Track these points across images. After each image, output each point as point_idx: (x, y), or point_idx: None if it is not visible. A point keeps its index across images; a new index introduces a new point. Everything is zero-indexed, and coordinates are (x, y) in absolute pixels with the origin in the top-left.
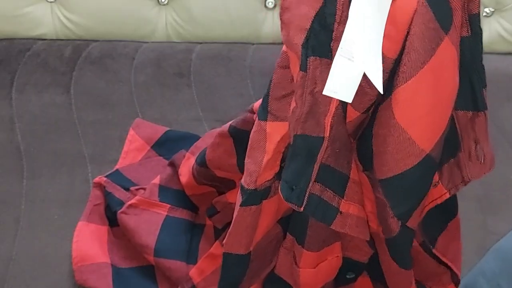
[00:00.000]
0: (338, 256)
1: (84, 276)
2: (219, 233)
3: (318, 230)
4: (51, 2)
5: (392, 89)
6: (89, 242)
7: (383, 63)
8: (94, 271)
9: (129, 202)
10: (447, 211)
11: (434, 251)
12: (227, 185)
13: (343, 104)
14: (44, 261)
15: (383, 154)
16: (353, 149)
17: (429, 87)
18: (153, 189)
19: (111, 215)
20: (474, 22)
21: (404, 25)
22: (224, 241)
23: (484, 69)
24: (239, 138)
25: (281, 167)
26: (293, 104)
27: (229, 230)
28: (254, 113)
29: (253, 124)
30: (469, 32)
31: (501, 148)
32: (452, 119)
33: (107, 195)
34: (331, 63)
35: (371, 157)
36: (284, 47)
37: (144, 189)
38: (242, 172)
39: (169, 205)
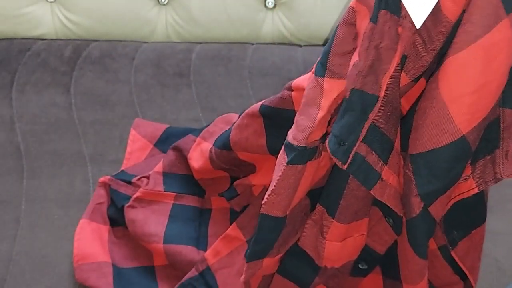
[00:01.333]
0: (363, 234)
1: (85, 275)
2: (234, 216)
3: (352, 200)
4: (51, 2)
5: (443, 59)
6: (90, 241)
7: (442, 24)
8: (95, 270)
9: (135, 196)
10: (473, 217)
11: (452, 253)
12: (246, 169)
13: (400, 66)
14: (44, 261)
15: (421, 128)
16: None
17: (478, 64)
18: (156, 177)
19: (113, 215)
20: None
21: None
22: (264, 201)
23: None
24: (272, 117)
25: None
26: (354, 58)
27: (271, 189)
28: (293, 90)
29: (290, 102)
30: None
31: None
32: (498, 115)
33: (112, 192)
34: (399, 21)
35: (409, 136)
36: (352, 2)
37: (146, 177)
38: (271, 153)
39: (174, 194)
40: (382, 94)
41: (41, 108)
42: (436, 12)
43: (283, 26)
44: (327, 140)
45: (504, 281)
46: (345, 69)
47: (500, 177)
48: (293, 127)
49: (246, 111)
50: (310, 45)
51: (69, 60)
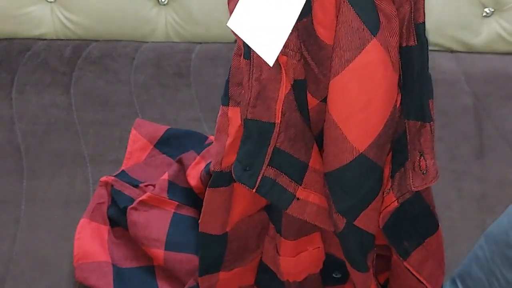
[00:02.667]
0: (319, 247)
1: (85, 274)
2: None
3: (291, 218)
4: (51, 2)
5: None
6: (90, 240)
7: (323, 49)
8: (95, 270)
9: (140, 198)
10: (422, 226)
11: (405, 263)
12: None
13: (298, 92)
14: (44, 261)
15: (325, 147)
16: (313, 139)
17: (355, 86)
18: (162, 184)
19: (113, 215)
20: (420, 31)
21: (332, 15)
22: (199, 221)
23: (431, 79)
24: None
25: None
26: (243, 90)
27: (202, 210)
28: None
29: None
30: (416, 41)
31: (500, 147)
32: (404, 128)
33: (115, 193)
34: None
35: None
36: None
37: (153, 185)
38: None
39: (176, 203)
40: (278, 120)
41: (41, 108)
42: (315, 38)
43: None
44: (233, 166)
45: None
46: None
47: (410, 189)
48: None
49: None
50: None
51: (69, 60)
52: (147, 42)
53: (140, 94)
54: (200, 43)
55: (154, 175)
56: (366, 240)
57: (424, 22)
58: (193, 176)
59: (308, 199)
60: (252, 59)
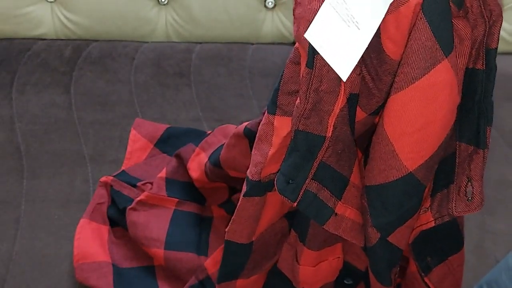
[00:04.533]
0: (339, 257)
1: (85, 274)
2: None
3: (319, 229)
4: (51, 2)
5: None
6: (91, 240)
7: (386, 64)
8: (95, 270)
9: (138, 198)
10: (448, 244)
11: (425, 279)
12: (241, 183)
13: (350, 106)
14: (44, 261)
15: (371, 161)
16: (357, 154)
17: (417, 105)
18: (160, 183)
19: (112, 216)
20: (490, 57)
21: (405, 31)
22: (227, 228)
23: (492, 106)
24: (254, 139)
25: None
26: (298, 100)
27: (232, 218)
28: None
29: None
30: (484, 66)
31: (499, 148)
32: (454, 149)
33: (114, 193)
34: None
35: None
36: (297, 43)
37: (151, 183)
38: None
39: (177, 199)
40: (329, 134)
41: (41, 108)
42: (379, 52)
43: (283, 26)
44: (276, 177)
45: None
46: (293, 107)
47: (452, 213)
48: (250, 163)
49: (234, 130)
50: None
51: (69, 60)
52: (147, 42)
53: (140, 94)
54: (200, 43)
55: (155, 175)
56: (394, 255)
57: (496, 48)
58: (194, 169)
59: (345, 214)
60: (314, 69)
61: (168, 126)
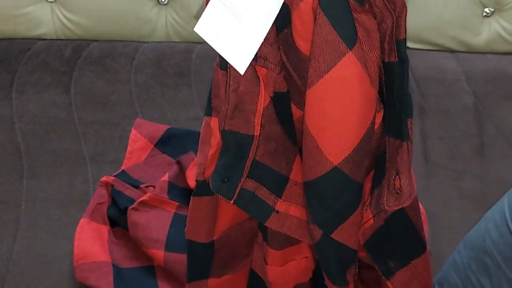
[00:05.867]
0: (307, 257)
1: (85, 274)
2: None
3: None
4: (51, 2)
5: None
6: (90, 240)
7: (304, 61)
8: (95, 270)
9: (141, 199)
10: (409, 247)
11: (388, 283)
12: None
13: (278, 105)
14: (44, 261)
15: (303, 158)
16: (297, 152)
17: (331, 98)
18: (163, 185)
19: (113, 216)
20: (400, 48)
21: (310, 27)
22: (186, 229)
23: (410, 98)
24: None
25: None
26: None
27: (187, 218)
28: None
29: None
30: (396, 58)
31: (499, 147)
32: (385, 145)
33: (115, 193)
34: (256, 64)
35: None
36: None
37: (153, 186)
38: None
39: (177, 203)
40: (257, 133)
41: (41, 108)
42: (295, 49)
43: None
44: (210, 178)
45: None
46: None
47: (384, 208)
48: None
49: None
50: None
51: (69, 60)
52: (147, 42)
53: (140, 94)
54: (201, 43)
55: (154, 175)
56: (345, 254)
57: (405, 39)
58: (192, 177)
59: (288, 212)
60: (228, 70)
61: (168, 126)
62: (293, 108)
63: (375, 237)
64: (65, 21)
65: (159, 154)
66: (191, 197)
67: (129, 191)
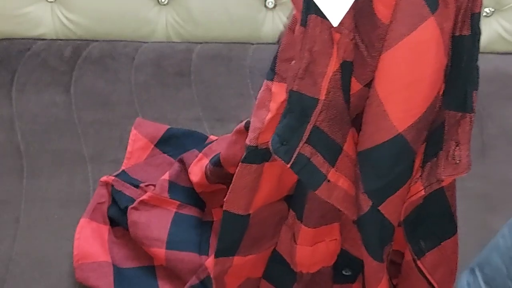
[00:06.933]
0: (336, 239)
1: (85, 274)
2: None
3: (315, 205)
4: (51, 2)
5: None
6: (90, 240)
7: (378, 28)
8: (95, 270)
9: (141, 198)
10: (441, 227)
11: (418, 263)
12: None
13: (344, 73)
14: (44, 261)
15: (363, 126)
16: (351, 125)
17: (405, 62)
18: (163, 184)
19: (113, 215)
20: (474, 21)
21: None
22: (225, 198)
23: (478, 71)
24: None
25: None
26: (293, 61)
27: (230, 187)
28: None
29: None
30: (469, 31)
31: (501, 147)
32: (443, 119)
33: (115, 193)
34: (331, 26)
35: None
36: (293, 7)
37: (154, 185)
38: None
39: (178, 202)
40: (322, 97)
41: (41, 108)
42: (371, 16)
43: (283, 26)
44: (271, 139)
45: None
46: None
47: (440, 177)
48: (249, 130)
49: (235, 128)
50: None
51: (69, 60)
52: (147, 42)
53: (141, 94)
54: (200, 43)
55: (155, 175)
56: (385, 230)
57: (480, 13)
58: (195, 173)
59: (338, 183)
60: (307, 28)
61: (169, 127)
62: (353, 81)
63: (413, 214)
64: (65, 21)
65: (159, 154)
66: (240, 163)
67: (129, 191)
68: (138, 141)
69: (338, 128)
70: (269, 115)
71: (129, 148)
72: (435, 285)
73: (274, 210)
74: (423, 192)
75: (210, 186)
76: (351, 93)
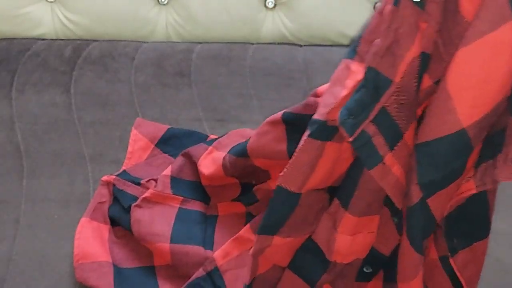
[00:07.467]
0: (373, 232)
1: (85, 274)
2: (249, 220)
3: (365, 192)
4: (51, 2)
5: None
6: (91, 240)
7: (460, 25)
8: (95, 270)
9: (143, 196)
10: (476, 228)
11: (451, 260)
12: (259, 175)
13: (421, 63)
14: (44, 261)
15: (427, 118)
16: (416, 116)
17: (483, 59)
18: (165, 181)
19: (114, 215)
20: None
21: None
22: (282, 173)
23: None
24: (295, 123)
25: None
26: (378, 40)
27: (290, 161)
28: (318, 96)
29: (315, 107)
30: None
31: None
32: (505, 124)
33: (118, 192)
34: (422, 15)
35: None
36: None
37: (155, 180)
38: (291, 158)
39: (181, 198)
40: (397, 80)
41: (41, 108)
42: (455, 13)
43: (283, 26)
44: (340, 111)
45: (506, 281)
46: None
47: (496, 179)
48: (319, 106)
49: (266, 119)
50: (310, 45)
51: (69, 60)
52: (147, 42)
53: (141, 94)
54: (200, 43)
55: (156, 174)
56: (429, 225)
57: None
58: (206, 165)
59: (392, 168)
60: (398, 7)
61: (169, 126)
62: (425, 77)
63: (455, 213)
64: (65, 21)
65: (160, 154)
66: (306, 137)
67: (131, 189)
68: (139, 141)
69: (404, 115)
70: (344, 92)
71: (129, 148)
72: (464, 283)
73: (319, 196)
74: (474, 191)
75: (222, 179)
76: (420, 88)
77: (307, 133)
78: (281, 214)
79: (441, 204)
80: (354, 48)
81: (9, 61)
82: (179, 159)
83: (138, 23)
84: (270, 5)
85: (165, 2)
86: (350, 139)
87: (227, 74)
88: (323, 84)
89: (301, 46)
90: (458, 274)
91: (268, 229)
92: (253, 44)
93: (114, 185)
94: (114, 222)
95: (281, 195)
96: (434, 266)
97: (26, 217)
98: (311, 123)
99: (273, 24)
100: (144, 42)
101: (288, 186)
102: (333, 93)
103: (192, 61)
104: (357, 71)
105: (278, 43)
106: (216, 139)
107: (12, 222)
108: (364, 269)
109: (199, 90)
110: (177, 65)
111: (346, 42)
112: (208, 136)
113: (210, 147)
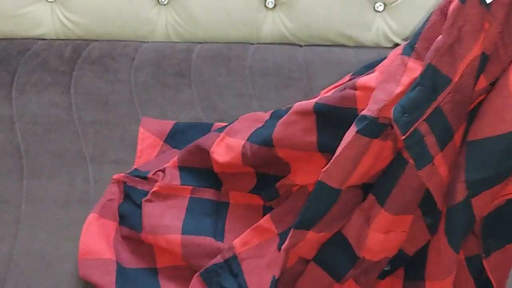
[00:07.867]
0: (405, 231)
1: (88, 271)
2: (267, 210)
3: (404, 190)
4: (51, 2)
5: None
6: (97, 237)
7: None
8: (99, 267)
9: (152, 190)
10: (510, 231)
11: (484, 262)
12: (278, 167)
13: (481, 64)
14: (44, 261)
15: (481, 115)
16: (466, 119)
17: None
18: (173, 172)
19: (125, 212)
20: None
21: None
22: (324, 169)
23: None
24: (328, 115)
25: None
26: (439, 37)
27: (334, 157)
28: (357, 89)
29: (353, 100)
30: None
31: None
32: None
33: (129, 189)
34: (487, 15)
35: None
36: None
37: (162, 171)
38: (321, 150)
39: (191, 187)
40: (456, 79)
41: (41, 108)
42: None
43: (283, 26)
44: (394, 107)
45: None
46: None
47: None
48: (369, 102)
49: (294, 108)
50: (310, 45)
51: (69, 60)
52: (147, 42)
53: (141, 94)
54: (200, 43)
55: None
56: (469, 224)
57: None
58: (220, 153)
59: (439, 169)
60: (465, 5)
61: (175, 122)
62: (481, 78)
63: (494, 214)
64: (65, 21)
65: (169, 149)
66: (354, 133)
67: (141, 185)
68: (147, 139)
69: (457, 115)
70: (399, 89)
71: (138, 147)
72: (494, 284)
73: (355, 193)
74: None
75: (238, 167)
76: (475, 89)
77: (354, 129)
78: (320, 210)
79: (484, 204)
80: (411, 45)
81: (9, 61)
82: (185, 149)
83: (138, 23)
84: (270, 5)
85: (165, 2)
86: (403, 137)
87: (227, 74)
88: (323, 84)
89: (301, 46)
90: (490, 276)
91: (304, 224)
92: (253, 44)
93: (125, 182)
94: (124, 220)
95: (322, 191)
96: (460, 266)
97: (27, 217)
98: (360, 119)
99: (273, 24)
100: (144, 42)
101: (330, 182)
102: (386, 89)
103: (192, 61)
104: (414, 69)
105: (278, 43)
106: (226, 125)
107: (13, 222)
108: (384, 268)
109: (199, 90)
110: (177, 65)
111: (346, 42)
112: (213, 124)
113: (222, 134)
